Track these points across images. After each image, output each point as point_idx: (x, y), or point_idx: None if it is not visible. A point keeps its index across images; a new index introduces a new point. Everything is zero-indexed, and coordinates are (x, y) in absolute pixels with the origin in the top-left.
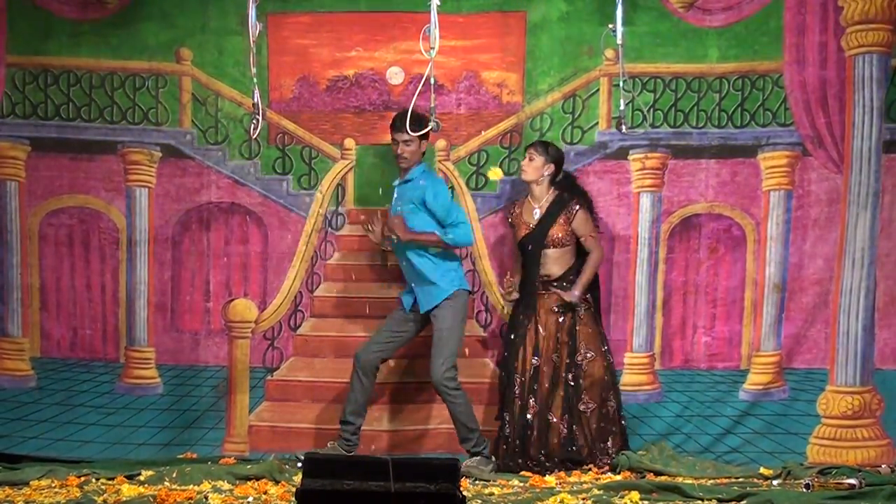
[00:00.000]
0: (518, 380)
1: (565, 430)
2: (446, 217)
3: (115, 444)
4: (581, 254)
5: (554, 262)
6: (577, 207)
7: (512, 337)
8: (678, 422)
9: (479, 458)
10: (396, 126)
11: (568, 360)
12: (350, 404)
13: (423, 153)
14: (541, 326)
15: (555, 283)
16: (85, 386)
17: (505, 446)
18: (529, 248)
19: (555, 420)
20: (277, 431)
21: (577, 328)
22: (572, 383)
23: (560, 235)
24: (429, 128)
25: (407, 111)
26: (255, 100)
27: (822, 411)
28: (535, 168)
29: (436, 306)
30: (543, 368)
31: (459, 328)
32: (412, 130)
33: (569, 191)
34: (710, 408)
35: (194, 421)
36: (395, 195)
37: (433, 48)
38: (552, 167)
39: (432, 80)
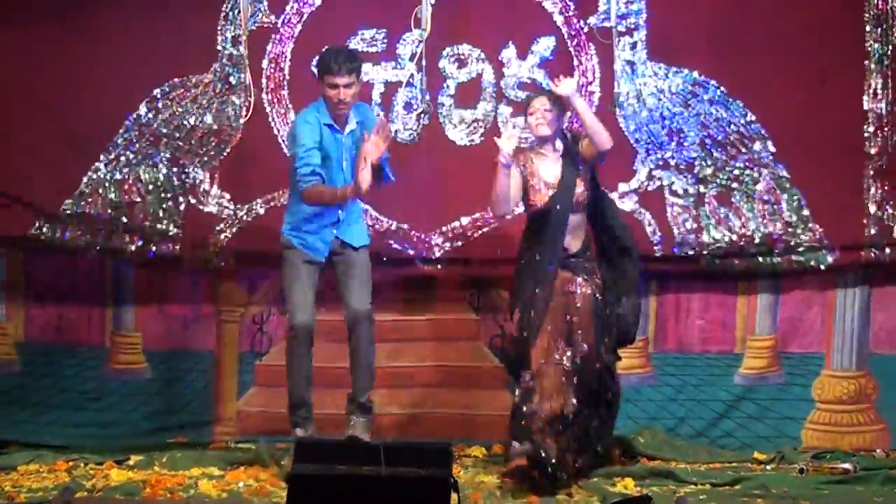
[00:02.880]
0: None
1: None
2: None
3: (103, 428)
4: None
5: (573, 231)
6: (581, 139)
7: (531, 315)
8: (671, 406)
9: (367, 418)
10: (335, 68)
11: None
12: (304, 382)
13: None
14: (559, 310)
15: (575, 258)
16: (70, 371)
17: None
18: (555, 212)
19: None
20: (267, 416)
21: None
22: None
23: (581, 197)
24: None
25: (340, 49)
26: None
27: (817, 396)
28: (549, 121)
29: (364, 245)
30: (564, 360)
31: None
32: (353, 68)
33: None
34: (704, 392)
35: (184, 406)
36: (344, 147)
37: (425, 29)
38: (564, 119)
39: (424, 61)
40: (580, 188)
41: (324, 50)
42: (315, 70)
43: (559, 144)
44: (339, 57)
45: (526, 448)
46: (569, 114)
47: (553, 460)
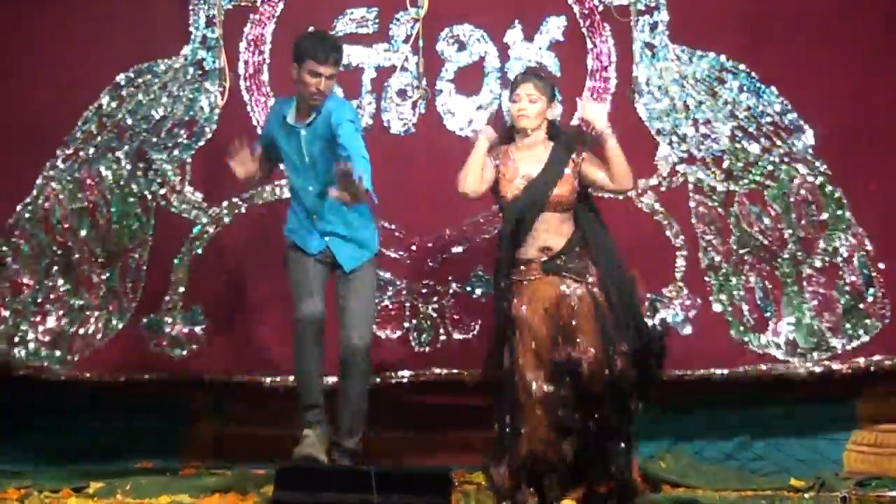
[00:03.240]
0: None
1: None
2: (356, 147)
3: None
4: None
5: (556, 229)
6: (584, 153)
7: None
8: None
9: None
10: (322, 56)
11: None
12: (313, 379)
13: None
14: (536, 318)
15: (560, 258)
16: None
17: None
18: (519, 207)
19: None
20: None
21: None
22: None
23: (566, 195)
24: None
25: (326, 36)
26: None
27: (860, 414)
28: (536, 113)
29: (360, 265)
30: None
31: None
32: (338, 59)
33: (563, 138)
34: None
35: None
36: (302, 139)
37: (421, 7)
38: (555, 106)
39: (420, 42)
40: (562, 189)
41: (307, 32)
42: (295, 52)
43: (544, 136)
44: (325, 44)
45: None
46: (560, 108)
47: None
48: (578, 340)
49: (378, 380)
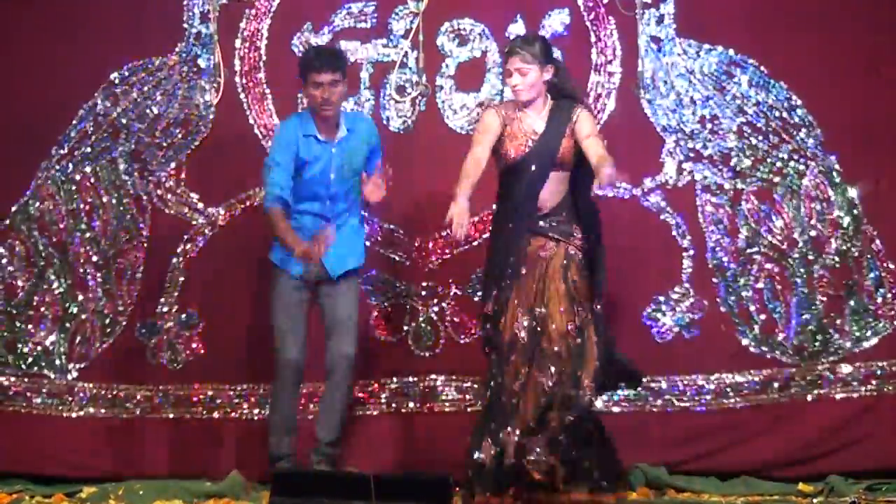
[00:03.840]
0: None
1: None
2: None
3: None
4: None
5: (551, 190)
6: (581, 108)
7: (496, 294)
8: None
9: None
10: (318, 65)
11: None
12: (283, 427)
13: None
14: (532, 278)
15: (548, 219)
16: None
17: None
18: (533, 167)
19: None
20: None
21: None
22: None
23: (566, 154)
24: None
25: (322, 47)
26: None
27: None
28: (530, 84)
29: (347, 273)
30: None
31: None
32: (338, 66)
33: (567, 95)
34: None
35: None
36: (333, 155)
37: (421, 0)
38: (551, 68)
39: (420, 37)
40: (566, 151)
41: (304, 50)
42: (299, 72)
43: (546, 98)
44: (321, 54)
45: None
46: (553, 68)
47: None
48: (544, 302)
49: (375, 385)
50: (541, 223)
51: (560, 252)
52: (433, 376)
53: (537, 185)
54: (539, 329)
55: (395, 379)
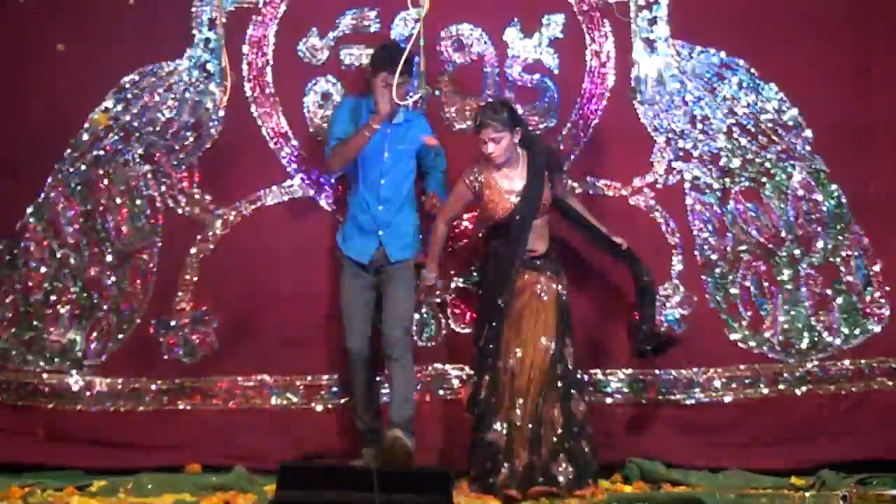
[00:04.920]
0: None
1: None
2: (437, 163)
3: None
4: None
5: (540, 233)
6: (555, 167)
7: (493, 325)
8: None
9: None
10: (389, 65)
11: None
12: (363, 404)
13: None
14: (527, 312)
15: (540, 260)
16: None
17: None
18: (518, 218)
19: (550, 427)
20: None
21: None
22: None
23: (547, 202)
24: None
25: (398, 46)
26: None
27: None
28: (504, 148)
29: (403, 260)
30: (533, 362)
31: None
32: (404, 69)
33: (537, 148)
34: None
35: None
36: (387, 137)
37: (422, 6)
38: (519, 130)
39: (422, 42)
40: (546, 195)
41: (384, 43)
42: (371, 61)
43: (520, 156)
44: (398, 53)
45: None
46: (520, 132)
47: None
48: (544, 331)
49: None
50: (537, 262)
51: (555, 287)
52: (437, 365)
53: (525, 234)
54: (531, 361)
55: None
